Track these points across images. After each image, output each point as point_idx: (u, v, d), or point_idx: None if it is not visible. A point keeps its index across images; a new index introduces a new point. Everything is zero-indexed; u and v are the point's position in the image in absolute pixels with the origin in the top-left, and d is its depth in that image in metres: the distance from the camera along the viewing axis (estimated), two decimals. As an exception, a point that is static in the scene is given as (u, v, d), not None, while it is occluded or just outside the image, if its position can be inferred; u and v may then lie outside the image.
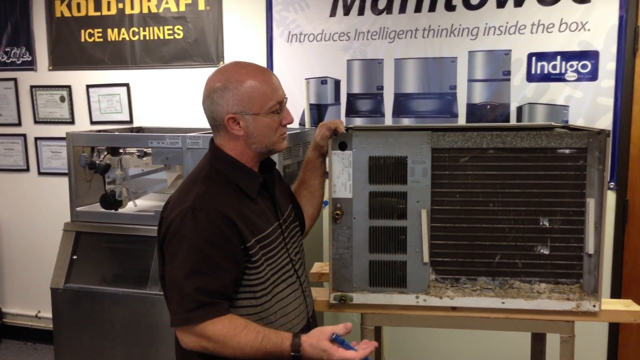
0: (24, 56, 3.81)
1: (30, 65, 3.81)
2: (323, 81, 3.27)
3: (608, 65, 2.85)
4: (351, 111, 3.25)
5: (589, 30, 2.86)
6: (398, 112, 3.18)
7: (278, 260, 1.58)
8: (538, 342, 2.18)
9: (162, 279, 1.56)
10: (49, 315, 3.04)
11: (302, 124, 3.28)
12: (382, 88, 3.18)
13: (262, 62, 3.32)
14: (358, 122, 3.23)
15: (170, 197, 1.57)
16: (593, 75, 2.88)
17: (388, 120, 3.19)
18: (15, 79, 3.85)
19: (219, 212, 1.45)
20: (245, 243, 1.48)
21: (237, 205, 1.50)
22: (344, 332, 1.43)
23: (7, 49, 3.83)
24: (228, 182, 1.54)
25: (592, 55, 2.87)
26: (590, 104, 2.89)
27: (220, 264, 1.43)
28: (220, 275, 1.43)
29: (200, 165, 1.61)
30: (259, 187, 1.59)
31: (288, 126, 1.62)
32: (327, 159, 1.85)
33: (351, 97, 3.24)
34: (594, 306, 1.74)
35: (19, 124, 3.90)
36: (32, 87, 3.83)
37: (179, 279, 1.42)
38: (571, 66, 2.90)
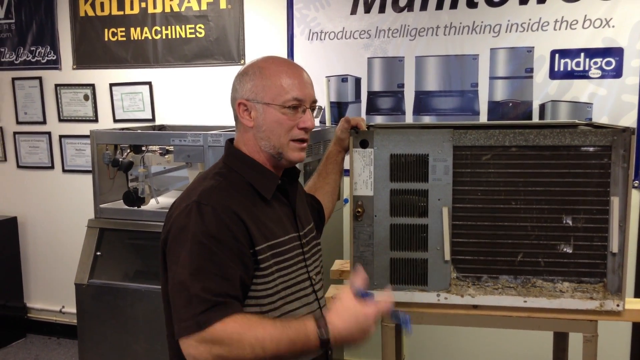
0: (49, 55, 3.87)
1: (54, 64, 3.87)
2: (344, 79, 3.27)
3: (633, 62, 2.81)
4: (372, 109, 3.24)
5: (613, 26, 2.82)
6: (419, 109, 3.17)
7: (293, 274, 1.44)
8: (560, 342, 2.16)
9: (165, 295, 1.39)
10: (73, 310, 3.09)
11: (322, 122, 3.29)
12: (402, 86, 3.18)
13: (283, 60, 3.33)
14: (379, 120, 3.23)
15: (177, 198, 1.45)
16: (617, 73, 2.84)
17: (409, 118, 3.18)
18: (40, 78, 3.91)
19: (226, 208, 1.33)
20: (255, 246, 1.35)
21: (249, 206, 1.38)
22: (363, 283, 1.31)
23: (32, 48, 3.90)
24: (241, 181, 1.43)
25: (616, 52, 2.83)
26: (614, 102, 2.86)
27: (228, 264, 1.29)
28: (229, 276, 1.29)
29: (213, 165, 1.51)
30: (278, 192, 1.47)
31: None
32: (346, 157, 1.84)
33: (372, 95, 3.24)
34: (618, 305, 1.72)
35: (44, 122, 3.96)
36: (56, 85, 3.88)
37: (184, 280, 1.27)
38: (595, 63, 2.87)
